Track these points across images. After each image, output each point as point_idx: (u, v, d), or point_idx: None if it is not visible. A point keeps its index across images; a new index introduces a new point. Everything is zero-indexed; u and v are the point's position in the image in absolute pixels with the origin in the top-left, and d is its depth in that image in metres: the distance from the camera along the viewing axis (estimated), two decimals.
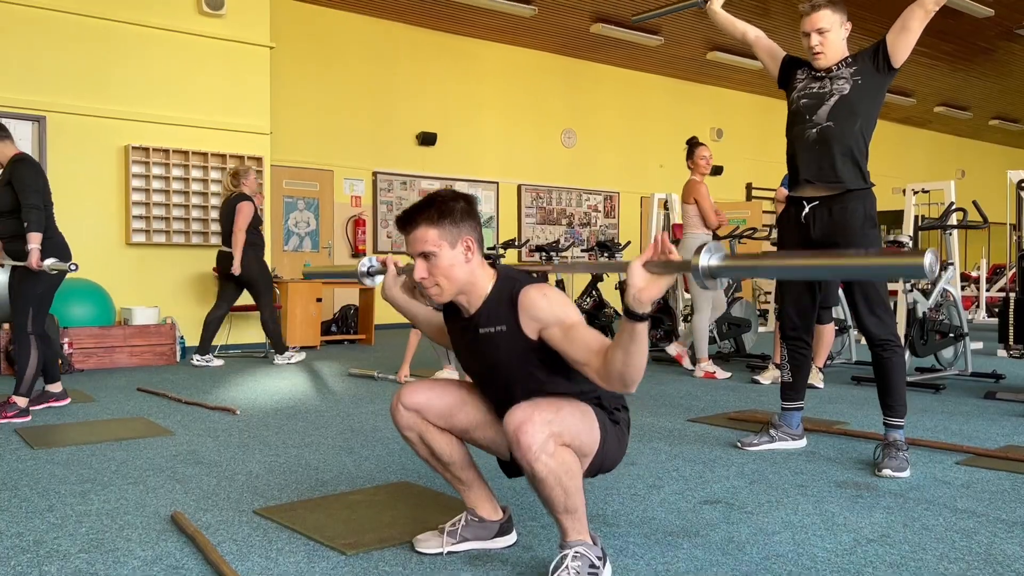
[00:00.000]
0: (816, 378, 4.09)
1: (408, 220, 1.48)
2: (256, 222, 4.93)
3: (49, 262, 3.13)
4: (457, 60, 8.60)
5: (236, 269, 4.85)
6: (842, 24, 2.47)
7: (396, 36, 8.20)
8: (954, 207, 4.32)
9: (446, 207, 1.46)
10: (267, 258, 6.00)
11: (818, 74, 2.51)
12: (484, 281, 1.50)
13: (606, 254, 6.00)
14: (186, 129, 5.59)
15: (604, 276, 6.17)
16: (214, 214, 5.72)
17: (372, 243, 7.99)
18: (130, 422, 3.17)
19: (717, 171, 10.88)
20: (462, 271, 1.47)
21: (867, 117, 2.47)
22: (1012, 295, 4.04)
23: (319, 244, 7.70)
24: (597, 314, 6.11)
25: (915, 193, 5.98)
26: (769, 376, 4.24)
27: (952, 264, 4.43)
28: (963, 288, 8.69)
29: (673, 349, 4.74)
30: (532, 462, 1.35)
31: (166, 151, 5.49)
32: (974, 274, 8.81)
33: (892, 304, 4.30)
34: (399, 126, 8.17)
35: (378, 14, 8.01)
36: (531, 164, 9.25)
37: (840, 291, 3.74)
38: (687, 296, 5.71)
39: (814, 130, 2.48)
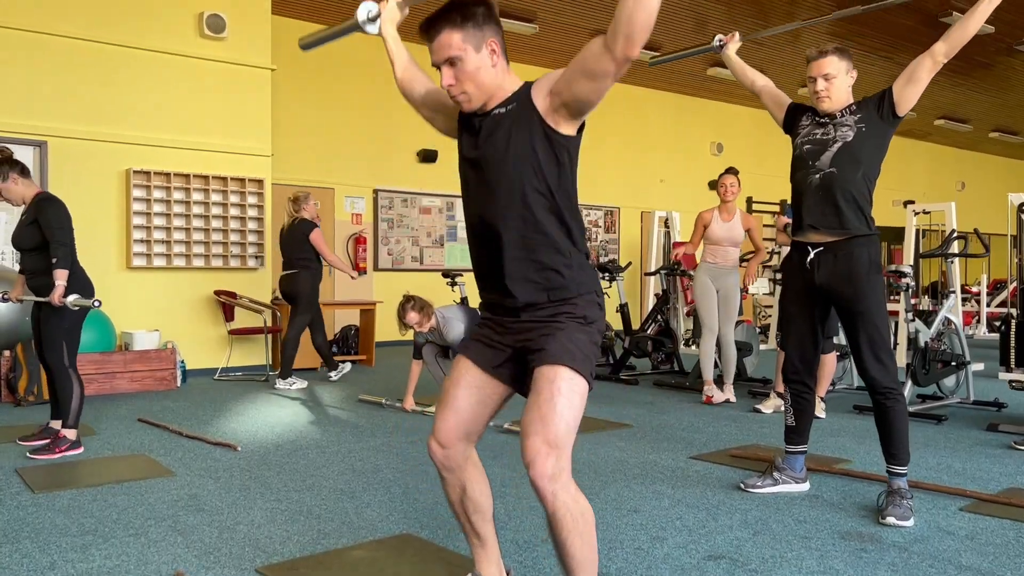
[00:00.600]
0: (818, 408, 4.09)
1: (430, 25, 1.43)
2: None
3: (72, 298, 3.17)
4: None
5: (354, 276, 5.31)
6: (848, 71, 2.48)
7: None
8: (955, 235, 4.31)
9: (467, 10, 1.42)
10: (267, 277, 6.01)
11: (822, 120, 2.52)
12: (510, 85, 1.47)
13: (606, 276, 6.00)
14: (187, 152, 5.60)
15: (605, 295, 6.16)
16: (216, 236, 5.72)
17: (373, 260, 7.99)
18: (131, 460, 3.16)
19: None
20: (489, 75, 1.44)
21: (870, 164, 2.47)
22: (1013, 318, 4.02)
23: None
24: None
25: (916, 214, 5.97)
26: (771, 405, 4.23)
27: (953, 292, 4.43)
28: (963, 302, 8.68)
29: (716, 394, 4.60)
30: (552, 499, 1.34)
31: (167, 174, 5.49)
32: (975, 289, 8.81)
33: (892, 332, 4.30)
34: (400, 143, 8.18)
35: None
36: None
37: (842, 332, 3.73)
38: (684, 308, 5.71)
39: (817, 176, 2.48)
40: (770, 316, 8.01)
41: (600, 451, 3.31)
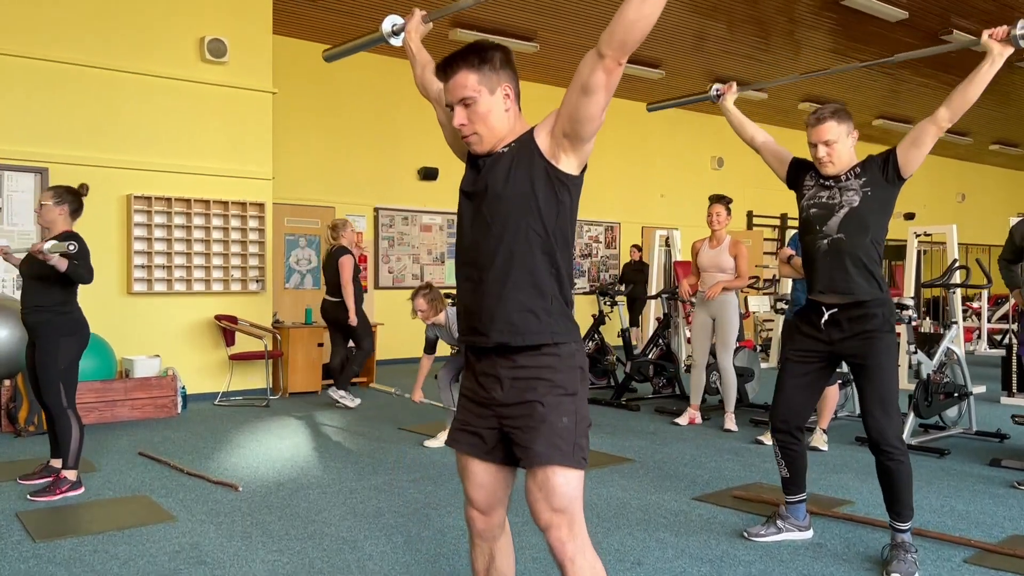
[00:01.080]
0: (820, 440, 4.07)
1: (448, 65, 1.45)
2: (356, 271, 5.32)
3: (48, 244, 3.06)
4: None
5: (352, 320, 5.24)
6: (848, 133, 2.46)
7: (398, 72, 8.23)
8: (956, 264, 4.31)
9: (485, 54, 1.44)
10: (267, 301, 6.00)
11: (827, 182, 2.50)
12: (520, 131, 1.49)
13: (607, 299, 6.00)
14: (188, 177, 5.59)
15: (607, 318, 6.16)
16: (216, 261, 5.72)
17: (374, 279, 7.99)
18: (132, 503, 3.15)
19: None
20: (500, 119, 1.46)
21: (878, 227, 2.46)
22: (1015, 345, 4.01)
23: (320, 281, 7.69)
24: (600, 358, 6.10)
25: (917, 236, 5.97)
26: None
27: (955, 323, 4.42)
28: (964, 316, 8.67)
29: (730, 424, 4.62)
30: (570, 565, 1.40)
31: (168, 199, 5.49)
32: (975, 305, 8.80)
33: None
34: (401, 162, 8.19)
35: (379, 50, 8.03)
36: None
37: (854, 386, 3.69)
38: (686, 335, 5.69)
39: (825, 241, 2.47)
40: (771, 330, 7.99)
41: (602, 491, 3.30)
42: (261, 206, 5.89)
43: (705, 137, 10.82)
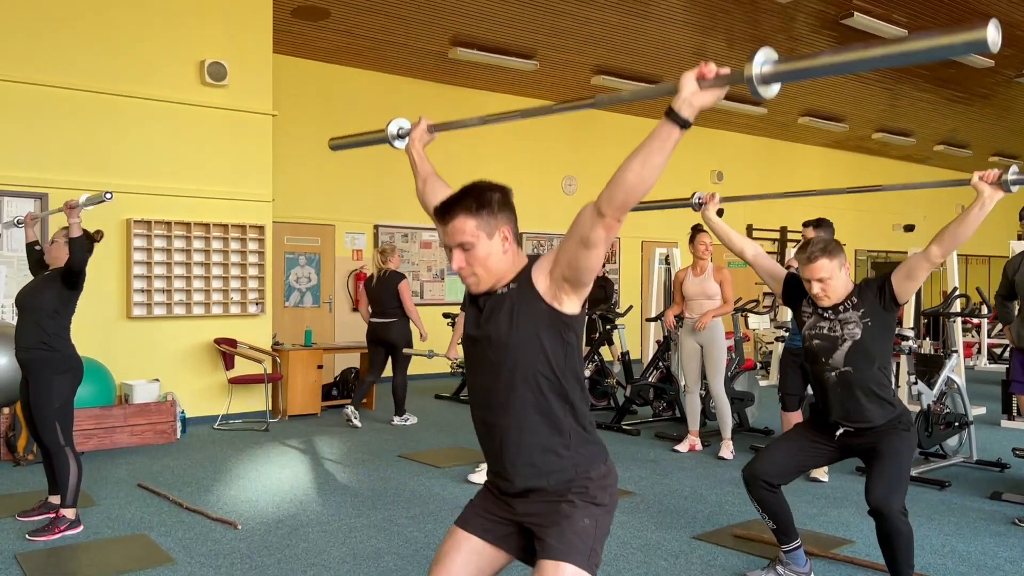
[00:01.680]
0: (820, 471, 4.06)
1: (446, 210, 1.46)
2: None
3: (83, 198, 3.25)
4: (459, 111, 8.63)
5: (424, 337, 5.67)
6: (841, 266, 2.45)
7: (398, 89, 8.24)
8: (957, 293, 4.30)
9: (483, 197, 1.45)
10: (267, 323, 6.00)
11: (825, 313, 2.50)
12: (518, 265, 1.49)
13: (608, 326, 6.00)
14: (188, 200, 5.59)
15: (607, 341, 6.16)
16: (216, 284, 5.71)
17: None
18: (131, 543, 3.14)
19: (718, 213, 10.88)
20: (499, 261, 1.46)
21: (884, 353, 2.47)
22: (1011, 383, 4.00)
23: (320, 299, 7.69)
24: (599, 380, 6.09)
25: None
26: None
27: (955, 351, 4.42)
28: (963, 332, 8.67)
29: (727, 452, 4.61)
30: None
31: (168, 223, 5.49)
32: (975, 320, 8.80)
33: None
34: (400, 179, 8.19)
35: (380, 68, 8.05)
36: (532, 212, 9.26)
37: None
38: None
39: (833, 374, 2.47)
40: (771, 343, 7.97)
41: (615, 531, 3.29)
42: (261, 228, 5.89)
43: (705, 150, 10.83)
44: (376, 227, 8.07)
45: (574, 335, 1.46)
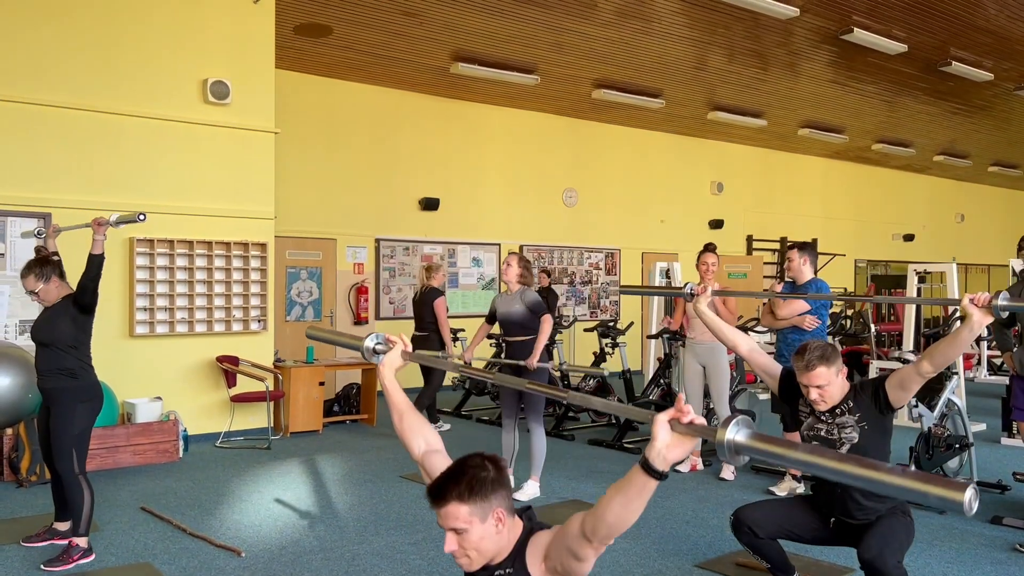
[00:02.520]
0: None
1: (438, 495, 1.46)
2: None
3: (115, 216, 3.27)
4: (460, 124, 8.67)
5: (448, 354, 5.83)
6: (838, 373, 2.48)
7: (399, 103, 8.27)
8: (957, 315, 4.31)
9: (476, 480, 1.44)
10: (269, 340, 6.00)
11: (822, 416, 2.53)
12: (512, 541, 1.50)
13: (608, 340, 6.01)
14: (191, 219, 5.61)
15: (607, 357, 6.18)
16: (219, 302, 5.73)
17: (375, 310, 8.00)
18: (135, 573, 3.15)
19: (718, 224, 10.94)
20: (492, 542, 1.46)
21: (882, 456, 2.49)
22: (1012, 410, 4.01)
23: (321, 313, 7.71)
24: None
25: (918, 275, 5.98)
26: (785, 487, 4.22)
27: (956, 374, 4.43)
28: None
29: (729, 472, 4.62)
30: None
31: (170, 242, 5.50)
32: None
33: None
34: (401, 192, 8.21)
35: (381, 83, 8.08)
36: (533, 224, 9.29)
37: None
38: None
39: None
40: (771, 354, 7.97)
41: (605, 556, 3.29)
42: (263, 246, 5.90)
43: (704, 162, 10.86)
44: (377, 241, 8.09)
45: None
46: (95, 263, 3.22)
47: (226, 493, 4.34)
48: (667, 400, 5.63)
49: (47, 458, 3.38)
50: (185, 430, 5.38)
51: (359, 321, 7.84)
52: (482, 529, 1.44)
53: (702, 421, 1.20)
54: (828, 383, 2.43)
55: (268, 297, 5.93)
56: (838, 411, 2.48)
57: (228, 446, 5.59)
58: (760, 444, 1.09)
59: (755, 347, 2.67)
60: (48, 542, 3.40)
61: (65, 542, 3.42)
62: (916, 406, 4.06)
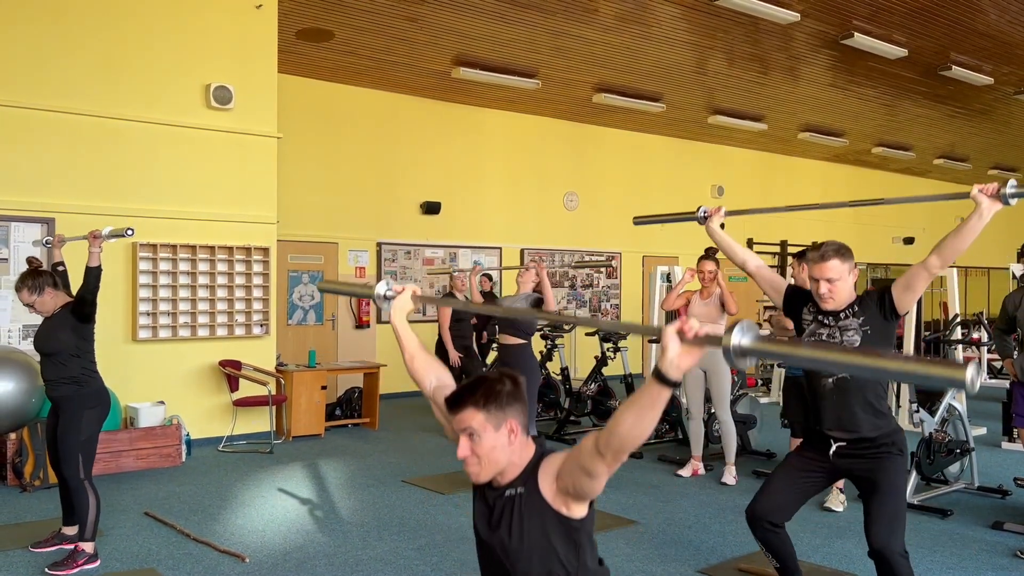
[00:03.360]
0: (836, 501, 4.05)
1: (455, 402, 1.50)
2: (456, 317, 6.08)
3: (107, 230, 3.37)
4: (461, 128, 8.69)
5: (453, 361, 5.99)
6: (850, 271, 2.47)
7: (400, 107, 8.28)
8: (957, 320, 4.33)
9: (492, 391, 1.48)
10: (271, 345, 6.01)
11: (826, 320, 2.50)
12: (524, 457, 1.52)
13: (610, 344, 6.03)
14: (193, 223, 5.63)
15: (609, 360, 6.19)
16: (221, 306, 5.74)
17: (376, 313, 8.01)
18: None
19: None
20: (504, 453, 1.49)
21: None
22: (1014, 417, 4.03)
23: (323, 317, 7.72)
24: (602, 400, 6.12)
25: None
26: None
27: None
28: (964, 350, 8.67)
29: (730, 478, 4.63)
30: None
31: (173, 246, 5.52)
32: (975, 335, 8.80)
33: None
34: (403, 196, 8.23)
35: (382, 87, 8.10)
36: (533, 228, 9.31)
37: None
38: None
39: (830, 380, 2.48)
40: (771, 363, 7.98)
41: (606, 561, 3.31)
42: (266, 250, 5.92)
43: (705, 165, 10.88)
44: (379, 244, 8.11)
45: (585, 535, 1.49)
46: (92, 275, 3.27)
47: (229, 498, 4.35)
48: (668, 404, 5.64)
49: (54, 463, 3.40)
50: (188, 434, 5.39)
51: (360, 325, 7.86)
52: (495, 438, 1.47)
53: (707, 330, 1.22)
54: (839, 278, 2.42)
55: (270, 301, 5.95)
56: (842, 315, 2.46)
57: (231, 450, 5.60)
58: (765, 345, 1.14)
59: (762, 264, 2.71)
60: (56, 547, 3.41)
61: (72, 547, 3.44)
62: (917, 411, 4.07)
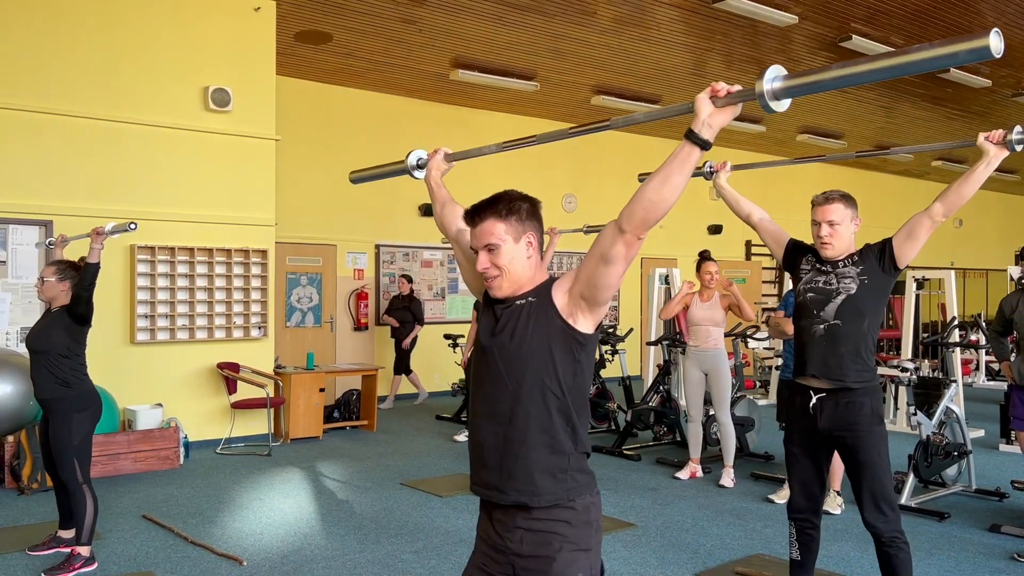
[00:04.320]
0: (833, 503, 4.05)
1: (476, 213, 1.51)
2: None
3: (110, 226, 3.33)
4: (459, 130, 8.69)
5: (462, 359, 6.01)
6: (852, 219, 2.50)
7: (398, 110, 8.29)
8: (956, 322, 4.34)
9: (513, 204, 1.50)
10: (269, 347, 6.01)
11: (824, 267, 2.53)
12: (539, 278, 1.53)
13: (608, 346, 6.03)
14: (191, 225, 5.63)
15: (607, 363, 6.19)
16: (219, 309, 5.74)
17: (375, 315, 8.01)
18: None
19: (716, 230, 10.96)
20: (522, 266, 1.50)
21: (874, 314, 2.49)
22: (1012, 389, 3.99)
23: (321, 318, 7.72)
24: (601, 403, 6.12)
25: (915, 281, 6.01)
26: (784, 495, 4.22)
27: (955, 381, 4.45)
28: (961, 352, 8.69)
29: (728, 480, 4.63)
30: None
31: (171, 249, 5.52)
32: (973, 338, 8.84)
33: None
34: (402, 198, 8.23)
35: (381, 89, 8.10)
36: None
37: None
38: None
39: (822, 326, 2.50)
40: (769, 360, 7.99)
41: (607, 564, 3.31)
42: (264, 252, 5.92)
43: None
44: (377, 246, 8.11)
45: (585, 355, 1.48)
46: (90, 272, 3.24)
47: (227, 501, 4.35)
48: (666, 406, 5.65)
49: (49, 467, 3.39)
50: (186, 437, 5.39)
51: (359, 327, 7.85)
52: (514, 250, 1.49)
53: (736, 88, 1.22)
54: (841, 222, 2.45)
55: (268, 303, 5.95)
56: (841, 263, 2.48)
57: (229, 452, 5.60)
58: (796, 80, 1.13)
59: (766, 216, 2.73)
60: (53, 550, 3.41)
61: (69, 550, 3.44)
62: (915, 414, 4.07)
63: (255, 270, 5.88)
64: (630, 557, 3.41)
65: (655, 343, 5.84)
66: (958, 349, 4.64)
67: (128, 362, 5.35)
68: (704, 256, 4.61)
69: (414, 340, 7.40)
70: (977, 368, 9.03)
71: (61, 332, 3.26)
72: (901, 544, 2.41)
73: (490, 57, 7.13)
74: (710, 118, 1.25)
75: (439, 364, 8.05)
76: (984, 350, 8.85)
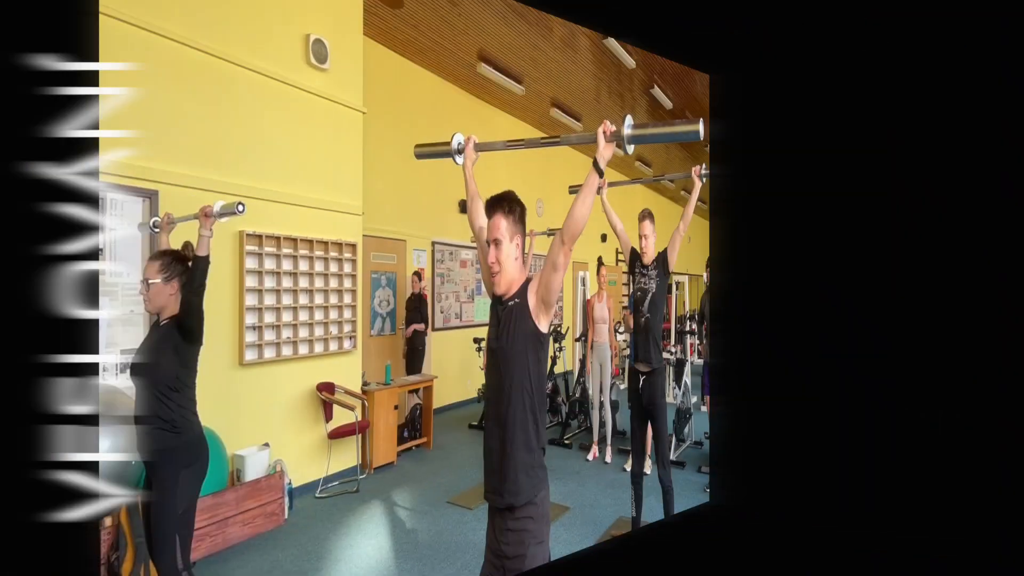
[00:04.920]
0: (648, 466, 4.50)
1: (492, 204, 1.73)
2: None
3: (219, 205, 2.38)
4: (480, 126, 7.98)
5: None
6: (653, 234, 3.30)
7: (443, 94, 7.28)
8: (689, 315, 5.96)
9: (513, 204, 1.75)
10: (357, 361, 4.98)
11: (643, 270, 3.30)
12: (521, 279, 1.76)
13: (557, 344, 6.39)
14: (292, 209, 4.35)
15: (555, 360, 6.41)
16: (318, 315, 4.55)
17: (431, 320, 6.89)
18: None
19: (604, 238, 11.97)
20: (512, 266, 1.73)
21: (662, 300, 3.29)
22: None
23: (395, 325, 6.36)
24: (553, 398, 6.28)
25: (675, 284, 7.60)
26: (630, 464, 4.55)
27: (689, 361, 5.88)
28: (689, 334, 10.90)
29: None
30: None
31: (277, 239, 4.21)
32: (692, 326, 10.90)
33: None
34: (449, 190, 7.15)
35: (439, 73, 7.03)
36: None
37: None
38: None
39: (642, 320, 3.25)
40: (625, 352, 8.89)
41: (555, 548, 3.38)
42: (353, 247, 4.85)
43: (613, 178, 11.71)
44: (433, 244, 6.97)
45: (544, 353, 1.72)
46: (200, 268, 2.34)
47: (325, 556, 3.52)
48: (583, 396, 6.01)
49: (152, 551, 2.36)
50: (290, 482, 4.20)
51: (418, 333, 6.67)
52: (509, 248, 1.73)
53: (612, 128, 1.63)
54: (650, 236, 3.20)
55: (358, 308, 4.90)
56: (651, 266, 3.21)
57: (326, 495, 4.50)
58: (639, 131, 1.60)
59: (623, 228, 3.25)
60: None
61: None
62: (675, 388, 5.38)
63: (347, 267, 4.79)
64: (570, 538, 3.61)
65: (580, 339, 6.15)
66: (689, 336, 6.29)
67: (235, 390, 3.94)
68: (601, 261, 5.35)
69: (418, 337, 6.63)
70: (698, 354, 11.35)
71: (171, 354, 2.32)
72: (667, 482, 3.19)
73: (506, 57, 6.74)
74: (605, 151, 1.58)
75: (471, 370, 7.40)
76: (696, 335, 11.19)
